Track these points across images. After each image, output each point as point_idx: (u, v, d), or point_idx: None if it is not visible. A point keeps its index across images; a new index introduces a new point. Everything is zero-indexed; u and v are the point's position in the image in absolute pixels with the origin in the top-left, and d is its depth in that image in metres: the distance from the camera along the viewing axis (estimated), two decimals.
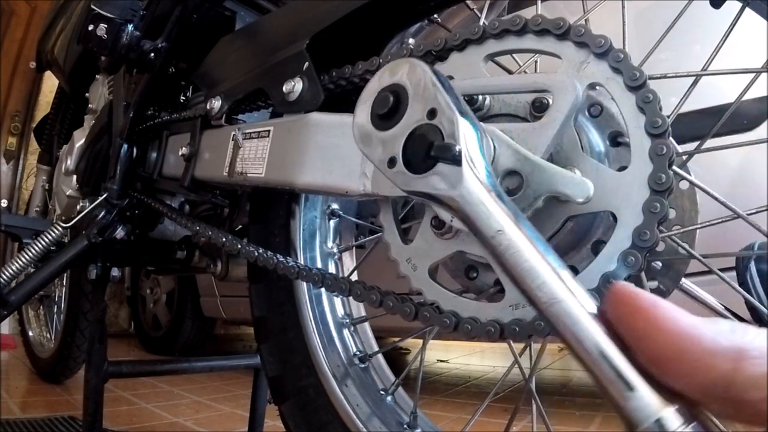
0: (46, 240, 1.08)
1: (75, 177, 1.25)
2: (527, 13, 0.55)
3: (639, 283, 0.57)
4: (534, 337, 0.49)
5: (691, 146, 0.57)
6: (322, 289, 0.72)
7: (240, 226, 0.98)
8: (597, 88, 0.50)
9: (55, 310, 2.11)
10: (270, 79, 0.73)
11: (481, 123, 0.49)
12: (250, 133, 0.74)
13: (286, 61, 0.71)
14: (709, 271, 0.56)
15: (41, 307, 2.20)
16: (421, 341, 0.78)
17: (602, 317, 0.31)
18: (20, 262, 1.05)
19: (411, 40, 0.79)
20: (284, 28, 0.77)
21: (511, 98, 0.54)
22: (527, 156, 0.47)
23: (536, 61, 0.68)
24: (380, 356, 0.78)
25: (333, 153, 0.62)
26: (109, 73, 1.23)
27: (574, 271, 0.53)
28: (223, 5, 0.99)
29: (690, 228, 0.57)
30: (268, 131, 0.71)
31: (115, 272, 1.17)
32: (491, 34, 0.54)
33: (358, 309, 0.81)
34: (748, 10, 0.53)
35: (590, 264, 0.47)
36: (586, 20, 0.62)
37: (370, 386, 0.74)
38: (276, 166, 0.68)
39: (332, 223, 0.82)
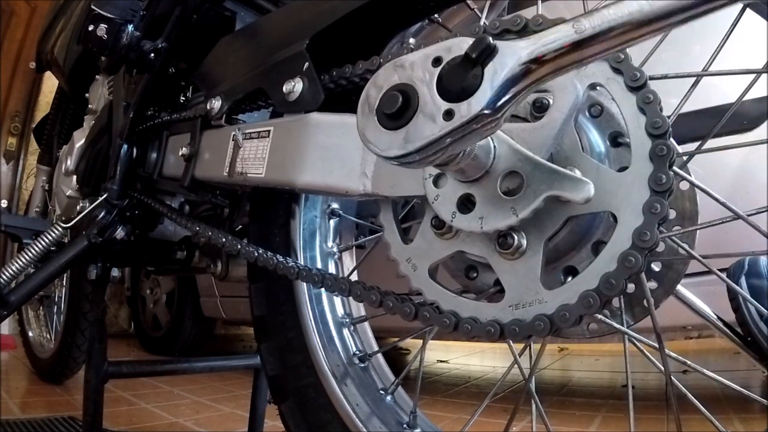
0: (46, 240, 1.08)
1: (75, 177, 1.25)
2: (528, 13, 0.55)
3: (639, 284, 0.57)
4: (534, 338, 0.49)
5: (691, 147, 0.57)
6: (322, 289, 0.72)
7: (240, 226, 0.98)
8: (597, 88, 0.50)
9: (55, 310, 2.11)
10: (270, 79, 0.73)
11: None
12: (250, 133, 0.74)
13: (286, 61, 0.71)
14: (709, 272, 0.56)
15: (41, 308, 2.20)
16: (421, 341, 0.78)
17: None
18: (20, 263, 1.05)
19: (411, 40, 0.79)
20: (284, 28, 0.77)
21: None
22: (528, 156, 0.47)
23: None
24: (380, 356, 0.78)
25: (333, 153, 0.62)
26: (109, 73, 1.23)
27: (574, 271, 0.53)
28: (223, 5, 0.99)
29: (690, 228, 0.57)
30: (268, 131, 0.71)
31: (115, 272, 1.17)
32: (491, 34, 0.54)
33: (358, 309, 0.81)
34: (748, 10, 0.52)
35: (590, 264, 0.47)
36: None
37: (370, 386, 0.74)
38: (276, 166, 0.68)
39: (332, 222, 0.82)
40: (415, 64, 0.45)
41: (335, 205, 0.82)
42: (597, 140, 0.53)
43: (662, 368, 0.55)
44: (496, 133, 0.49)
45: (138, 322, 3.37)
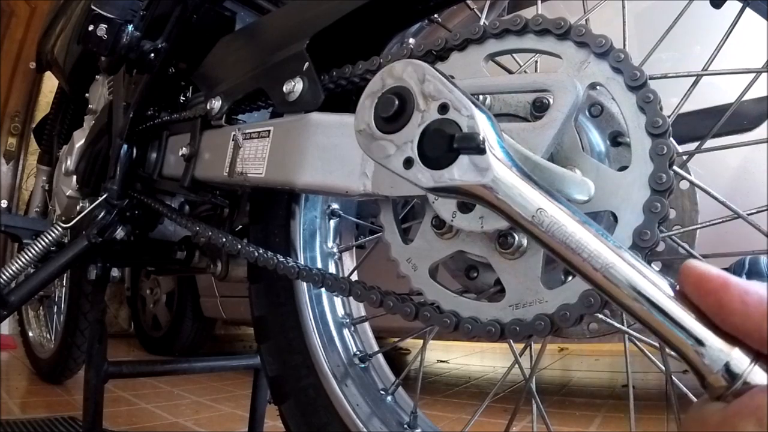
0: (46, 240, 1.08)
1: (75, 177, 1.25)
2: (528, 13, 0.55)
3: None
4: (534, 337, 0.49)
5: (691, 146, 0.57)
6: (322, 289, 0.72)
7: (240, 227, 0.98)
8: (597, 87, 0.50)
9: (55, 310, 2.11)
10: (270, 79, 0.73)
11: None
12: (250, 133, 0.74)
13: (286, 61, 0.71)
14: None
15: (41, 308, 2.20)
16: (421, 341, 0.78)
17: (676, 292, 0.33)
18: (20, 263, 1.05)
19: (411, 40, 0.79)
20: (284, 28, 0.77)
21: (511, 98, 0.54)
22: (527, 156, 0.47)
23: (537, 61, 0.68)
24: (380, 356, 0.78)
25: (333, 153, 0.62)
26: (109, 73, 1.22)
27: None
28: (223, 5, 0.99)
29: (690, 228, 0.57)
30: (268, 131, 0.71)
31: (114, 273, 1.17)
32: (492, 33, 0.54)
33: (358, 309, 0.81)
34: (748, 10, 0.52)
35: None
36: (586, 20, 0.62)
37: (370, 386, 0.74)
38: (276, 167, 0.68)
39: (332, 222, 0.82)
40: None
41: (335, 206, 0.82)
42: (597, 140, 0.53)
43: (663, 368, 0.55)
44: None
45: (138, 322, 3.37)
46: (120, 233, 1.05)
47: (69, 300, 1.88)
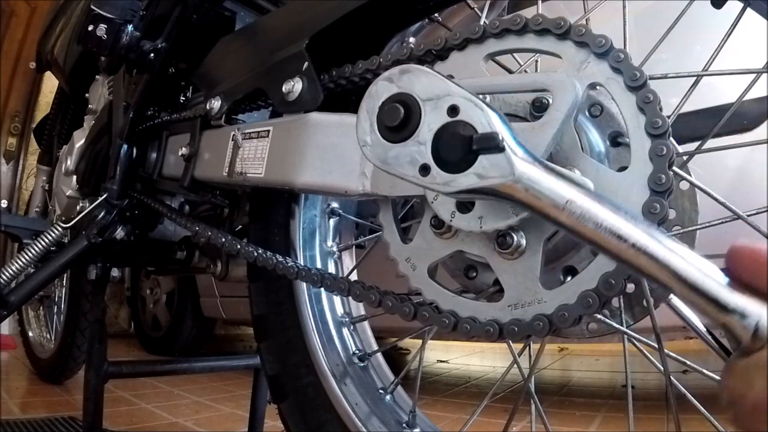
0: (46, 240, 1.08)
1: (75, 177, 1.25)
2: (528, 12, 0.55)
3: (638, 283, 0.57)
4: (533, 337, 0.49)
5: (691, 147, 0.57)
6: (321, 289, 0.72)
7: (240, 227, 0.98)
8: (597, 88, 0.50)
9: (55, 310, 2.11)
10: (269, 79, 0.73)
11: None
12: (250, 133, 0.74)
13: (285, 61, 0.71)
14: None
15: (41, 308, 2.20)
16: (420, 341, 0.78)
17: (725, 271, 0.35)
18: (20, 263, 1.05)
19: (411, 39, 0.79)
20: (284, 28, 0.77)
21: (511, 98, 0.54)
22: None
23: (537, 61, 0.68)
24: (379, 355, 0.78)
25: (332, 153, 0.62)
26: (108, 73, 1.22)
27: (573, 270, 0.53)
28: (223, 5, 0.99)
29: (690, 228, 0.57)
30: (268, 131, 0.71)
31: (114, 273, 1.17)
32: (492, 33, 0.54)
33: (358, 308, 0.81)
34: (749, 10, 0.52)
35: (590, 264, 0.47)
36: (586, 20, 0.62)
37: (369, 385, 0.74)
38: (275, 166, 0.68)
39: (332, 222, 0.82)
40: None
41: (335, 205, 0.82)
42: (597, 140, 0.53)
43: (662, 368, 0.55)
44: None
45: (138, 322, 3.37)
46: (120, 233, 1.05)
47: (69, 300, 1.88)
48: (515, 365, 0.66)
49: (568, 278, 0.52)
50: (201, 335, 3.02)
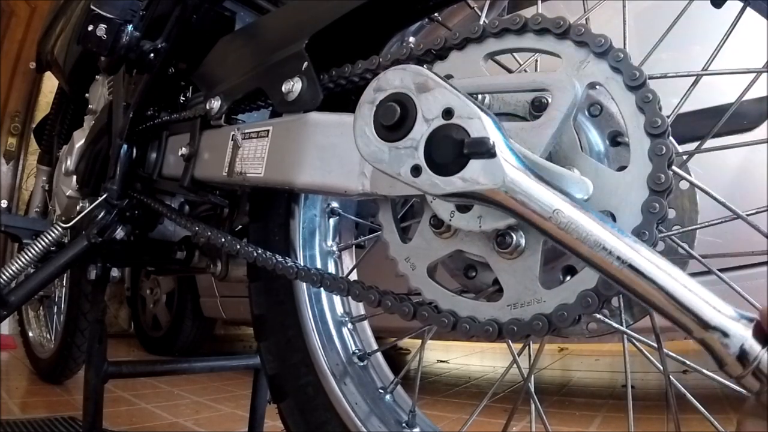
0: (46, 240, 1.08)
1: (75, 177, 1.25)
2: (527, 12, 0.55)
3: None
4: (532, 337, 0.49)
5: (691, 146, 0.57)
6: (321, 288, 0.72)
7: (240, 227, 0.98)
8: (597, 87, 0.50)
9: (55, 310, 2.11)
10: (269, 79, 0.73)
11: None
12: (250, 133, 0.74)
13: (285, 61, 0.71)
14: (709, 272, 0.55)
15: (41, 308, 2.20)
16: (420, 341, 0.78)
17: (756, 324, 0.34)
18: (20, 263, 1.05)
19: (411, 39, 0.79)
20: (283, 28, 0.77)
21: (510, 97, 0.54)
22: (526, 155, 0.47)
23: (536, 60, 0.68)
24: (379, 355, 0.78)
25: (332, 153, 0.62)
26: (108, 73, 1.22)
27: (573, 270, 0.53)
28: (223, 5, 0.99)
29: (690, 228, 0.57)
30: (267, 131, 0.71)
31: (114, 273, 1.17)
32: (491, 32, 0.54)
33: (357, 307, 0.81)
34: (748, 9, 0.52)
35: None
36: (586, 20, 0.62)
37: (369, 385, 0.74)
38: (275, 166, 0.68)
39: (332, 221, 0.82)
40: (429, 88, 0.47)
41: (335, 204, 0.82)
42: (596, 139, 0.53)
43: (661, 368, 0.55)
44: None
45: (138, 322, 3.37)
46: (120, 233, 1.05)
47: (69, 300, 1.88)
48: (515, 365, 0.66)
49: (568, 278, 0.52)
50: (201, 335, 3.02)
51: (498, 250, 0.50)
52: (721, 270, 0.56)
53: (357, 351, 0.77)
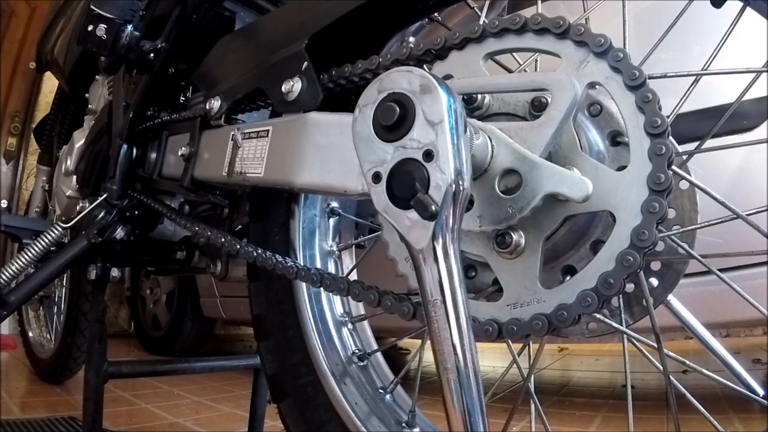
0: (46, 240, 1.08)
1: (75, 177, 1.25)
2: (527, 12, 0.55)
3: (638, 283, 0.57)
4: (532, 337, 0.49)
5: (691, 146, 0.57)
6: (321, 288, 0.72)
7: (240, 227, 0.98)
8: (596, 87, 0.50)
9: (55, 310, 2.11)
10: (269, 79, 0.73)
11: (480, 122, 0.49)
12: (249, 133, 0.73)
13: (285, 61, 0.71)
14: (709, 272, 0.55)
15: (41, 308, 2.20)
16: (420, 341, 0.78)
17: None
18: (20, 263, 1.05)
19: (411, 39, 0.79)
20: (283, 28, 0.77)
21: (510, 97, 0.54)
22: (525, 155, 0.47)
23: (536, 60, 0.68)
24: (379, 355, 0.78)
25: (332, 153, 0.62)
26: (108, 73, 1.22)
27: (572, 270, 0.53)
28: (223, 5, 0.99)
29: (689, 228, 0.57)
30: (267, 131, 0.71)
31: (114, 273, 1.17)
32: (491, 32, 0.54)
33: (357, 307, 0.81)
34: (748, 9, 0.52)
35: (589, 263, 0.47)
36: (586, 20, 0.62)
37: (369, 385, 0.74)
38: (275, 166, 0.68)
39: (332, 221, 0.82)
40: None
41: (335, 204, 0.82)
42: (596, 139, 0.53)
43: (661, 368, 0.55)
44: (494, 131, 0.49)
45: (138, 322, 3.37)
46: (120, 233, 1.05)
47: (69, 300, 1.88)
48: (515, 365, 0.66)
49: (567, 278, 0.52)
50: (201, 335, 3.02)
51: (498, 249, 0.50)
52: (721, 270, 0.56)
53: (357, 351, 0.77)
